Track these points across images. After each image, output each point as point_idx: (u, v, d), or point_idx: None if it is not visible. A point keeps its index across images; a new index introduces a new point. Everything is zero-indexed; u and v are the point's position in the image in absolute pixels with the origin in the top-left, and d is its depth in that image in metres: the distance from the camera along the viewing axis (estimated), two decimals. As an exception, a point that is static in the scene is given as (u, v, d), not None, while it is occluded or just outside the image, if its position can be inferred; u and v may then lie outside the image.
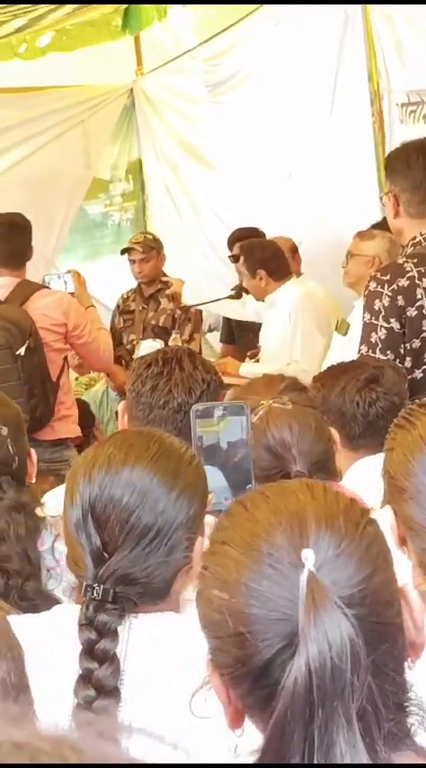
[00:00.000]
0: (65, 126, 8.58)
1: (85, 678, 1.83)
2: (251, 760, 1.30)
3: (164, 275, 7.35)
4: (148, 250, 7.31)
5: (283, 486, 1.46)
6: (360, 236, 5.88)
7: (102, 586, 1.86)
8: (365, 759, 1.22)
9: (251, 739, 1.35)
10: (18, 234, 5.47)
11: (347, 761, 1.21)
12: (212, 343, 8.12)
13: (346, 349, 5.01)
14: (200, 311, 7.26)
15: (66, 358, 5.56)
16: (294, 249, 7.07)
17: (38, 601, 2.50)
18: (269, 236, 7.19)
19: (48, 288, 5.59)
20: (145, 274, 7.31)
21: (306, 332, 6.33)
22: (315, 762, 1.22)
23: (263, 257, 6.49)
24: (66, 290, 5.74)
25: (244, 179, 8.13)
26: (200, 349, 7.14)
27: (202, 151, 8.64)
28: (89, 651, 1.85)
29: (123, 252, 7.43)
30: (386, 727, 1.27)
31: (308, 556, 1.27)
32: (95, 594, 1.86)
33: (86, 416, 6.48)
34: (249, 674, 1.30)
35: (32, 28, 7.91)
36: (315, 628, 1.23)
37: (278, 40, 7.88)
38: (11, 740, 0.62)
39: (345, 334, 5.57)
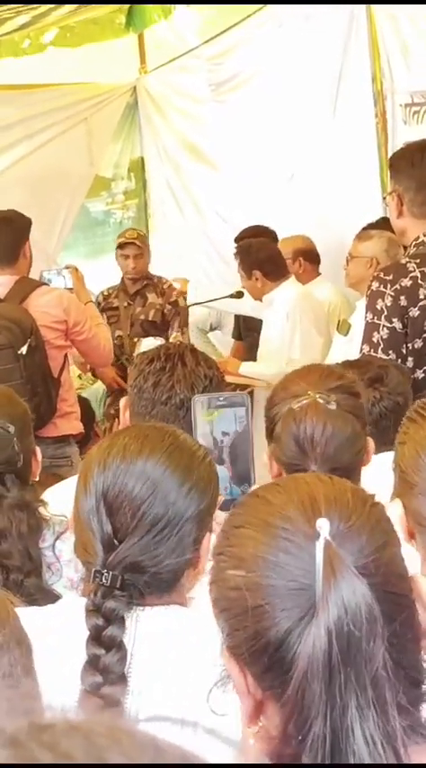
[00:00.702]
0: (68, 123, 8.58)
1: (92, 664, 1.84)
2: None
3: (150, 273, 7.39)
4: (144, 246, 7.34)
5: (293, 476, 1.51)
6: (359, 237, 5.90)
7: (111, 572, 1.87)
8: (373, 725, 1.25)
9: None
10: (11, 230, 5.45)
11: (357, 726, 1.24)
12: (215, 342, 8.12)
13: (347, 349, 5.01)
14: (186, 306, 7.28)
15: (66, 355, 5.56)
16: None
17: (38, 596, 2.50)
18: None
19: (46, 284, 5.59)
20: (138, 270, 7.34)
21: (304, 332, 6.34)
22: (334, 724, 1.24)
23: (258, 258, 6.50)
24: (65, 286, 5.74)
25: (247, 179, 8.13)
26: (189, 341, 7.16)
27: (205, 150, 8.64)
28: (96, 637, 1.86)
29: (119, 246, 7.44)
30: (403, 699, 1.30)
31: (323, 525, 1.31)
32: (104, 580, 1.87)
33: (87, 413, 6.48)
34: (267, 648, 1.32)
35: (36, 25, 7.91)
36: (335, 593, 1.26)
37: (281, 40, 7.88)
38: (66, 721, 0.63)
39: (346, 334, 5.57)
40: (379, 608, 1.27)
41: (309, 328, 6.37)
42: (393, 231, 5.07)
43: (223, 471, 2.41)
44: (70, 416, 5.48)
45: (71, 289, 5.74)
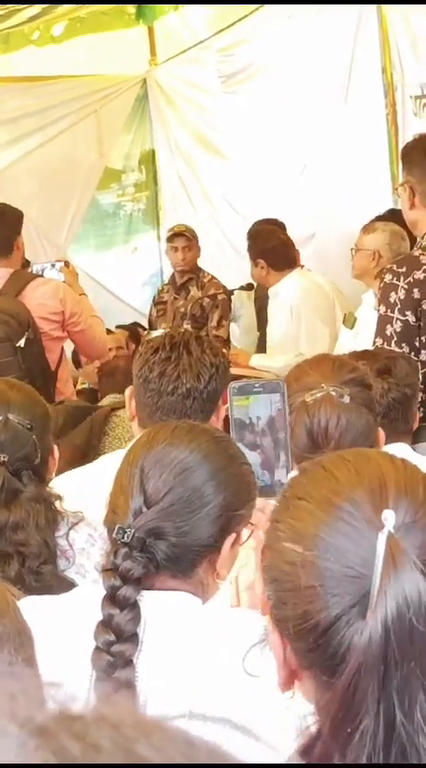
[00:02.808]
0: (78, 115, 8.60)
1: (106, 623, 1.89)
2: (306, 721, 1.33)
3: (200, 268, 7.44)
4: (193, 237, 7.37)
5: (363, 452, 1.48)
6: (364, 229, 5.87)
7: (134, 531, 1.93)
8: None
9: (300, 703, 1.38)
10: (5, 223, 5.46)
11: None
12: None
13: (354, 343, 5.00)
14: (228, 299, 7.29)
15: (63, 348, 5.56)
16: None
17: (52, 583, 2.54)
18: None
19: (41, 276, 5.58)
20: (187, 261, 7.38)
21: (309, 325, 6.35)
22: (397, 720, 1.23)
23: (264, 247, 6.51)
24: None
25: (258, 170, 8.13)
26: (228, 335, 7.19)
27: (216, 142, 8.64)
28: (111, 597, 1.91)
29: (169, 239, 7.52)
30: None
31: (389, 516, 1.28)
32: (126, 538, 1.92)
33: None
34: (314, 629, 1.30)
35: (46, 16, 7.90)
36: (394, 586, 1.24)
37: (292, 32, 7.87)
38: (96, 712, 0.64)
39: (352, 327, 5.56)
40: None
41: (314, 321, 6.37)
42: (400, 223, 5.07)
43: (255, 457, 2.40)
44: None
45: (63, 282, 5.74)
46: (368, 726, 1.24)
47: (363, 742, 1.24)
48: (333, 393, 2.49)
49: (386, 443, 2.91)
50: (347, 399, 2.49)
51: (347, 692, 1.25)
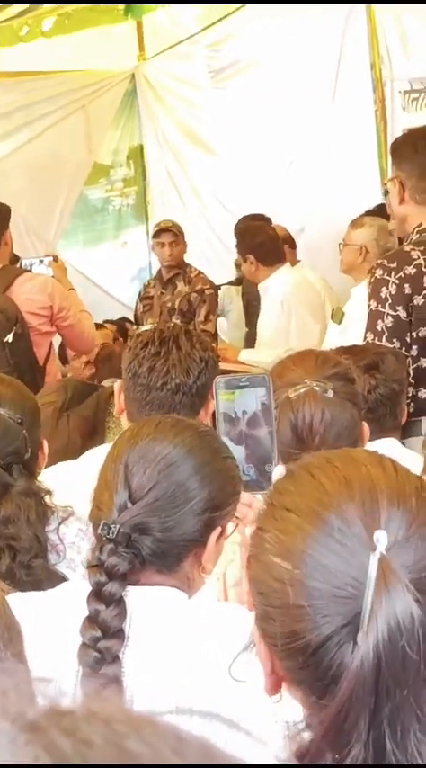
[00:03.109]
0: (66, 110, 8.59)
1: (92, 619, 1.90)
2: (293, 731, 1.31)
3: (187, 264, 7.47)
4: (179, 233, 7.38)
5: (352, 456, 1.40)
6: (352, 224, 5.88)
7: (119, 527, 1.93)
8: None
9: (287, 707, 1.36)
10: None
11: (423, 749, 1.19)
12: (218, 329, 8.13)
13: (341, 338, 4.99)
14: (215, 293, 7.29)
15: (51, 344, 5.55)
16: (287, 239, 7.08)
17: (43, 577, 2.55)
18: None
19: (29, 271, 5.57)
20: (174, 257, 7.38)
21: (299, 320, 6.35)
22: (387, 748, 1.20)
23: (253, 243, 6.52)
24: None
25: (247, 165, 8.13)
26: (216, 330, 7.21)
27: (204, 137, 8.64)
28: (97, 593, 1.91)
29: (155, 235, 7.52)
30: None
31: (381, 537, 1.23)
32: (111, 534, 1.92)
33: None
34: (304, 649, 1.26)
35: (34, 12, 7.89)
36: (386, 609, 1.20)
37: (280, 27, 7.87)
38: (86, 707, 0.64)
39: (340, 322, 5.56)
40: None
41: (305, 316, 6.38)
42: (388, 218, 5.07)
43: (240, 452, 2.39)
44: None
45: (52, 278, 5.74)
46: (357, 756, 1.20)
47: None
48: (317, 388, 2.49)
49: (375, 439, 2.91)
50: (330, 394, 2.49)
51: (337, 717, 1.21)
